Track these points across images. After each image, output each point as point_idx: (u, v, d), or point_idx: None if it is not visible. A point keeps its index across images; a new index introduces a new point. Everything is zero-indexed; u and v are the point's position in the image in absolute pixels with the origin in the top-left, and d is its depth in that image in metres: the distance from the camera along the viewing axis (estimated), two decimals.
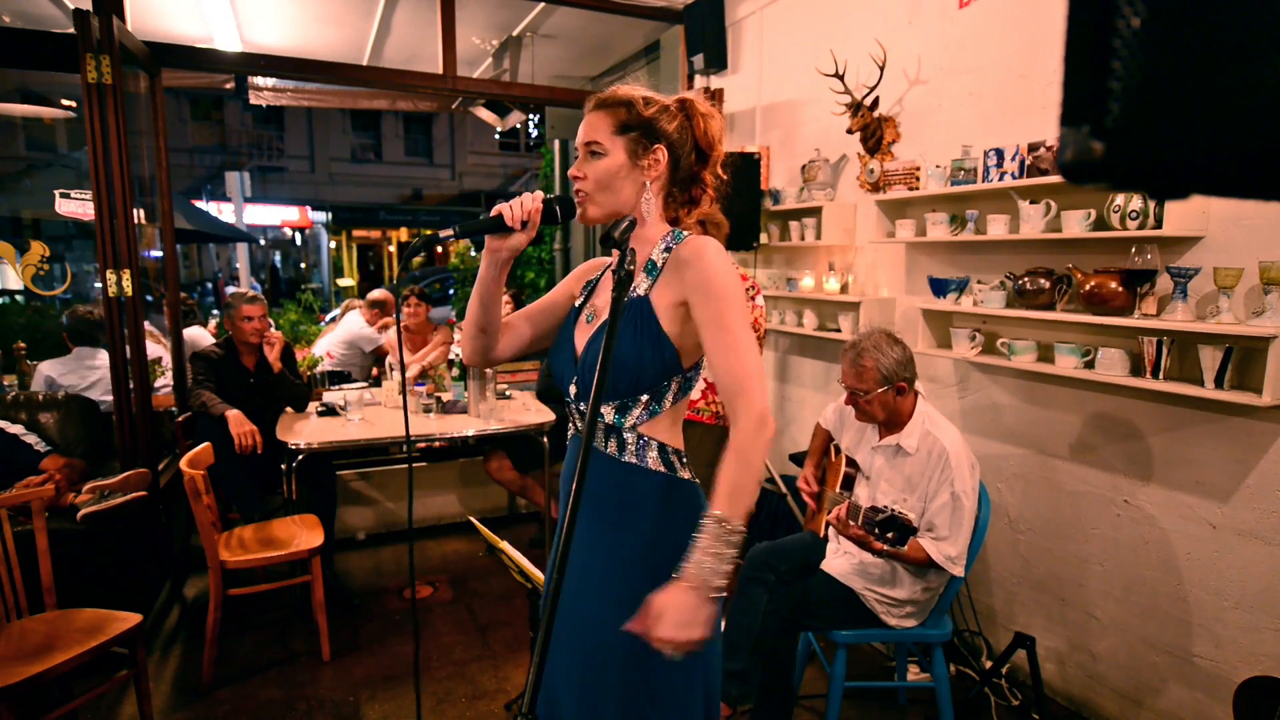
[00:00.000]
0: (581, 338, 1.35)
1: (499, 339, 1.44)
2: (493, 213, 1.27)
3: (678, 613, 1.03)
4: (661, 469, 1.28)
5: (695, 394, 2.33)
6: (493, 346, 1.43)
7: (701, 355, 1.28)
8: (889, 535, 2.01)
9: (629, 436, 1.27)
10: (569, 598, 1.31)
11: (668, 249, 1.29)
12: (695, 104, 1.33)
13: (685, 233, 1.31)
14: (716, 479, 1.12)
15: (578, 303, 1.44)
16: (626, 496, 1.28)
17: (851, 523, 2.14)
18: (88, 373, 3.58)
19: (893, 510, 2.02)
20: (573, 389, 1.33)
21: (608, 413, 1.28)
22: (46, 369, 3.58)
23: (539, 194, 1.29)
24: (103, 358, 3.71)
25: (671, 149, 1.29)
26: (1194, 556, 2.22)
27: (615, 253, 1.32)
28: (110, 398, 3.61)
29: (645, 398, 1.26)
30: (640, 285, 1.28)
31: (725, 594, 1.15)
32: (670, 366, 1.25)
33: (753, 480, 1.13)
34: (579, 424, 1.33)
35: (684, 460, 1.32)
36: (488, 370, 3.59)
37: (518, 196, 1.29)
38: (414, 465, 4.34)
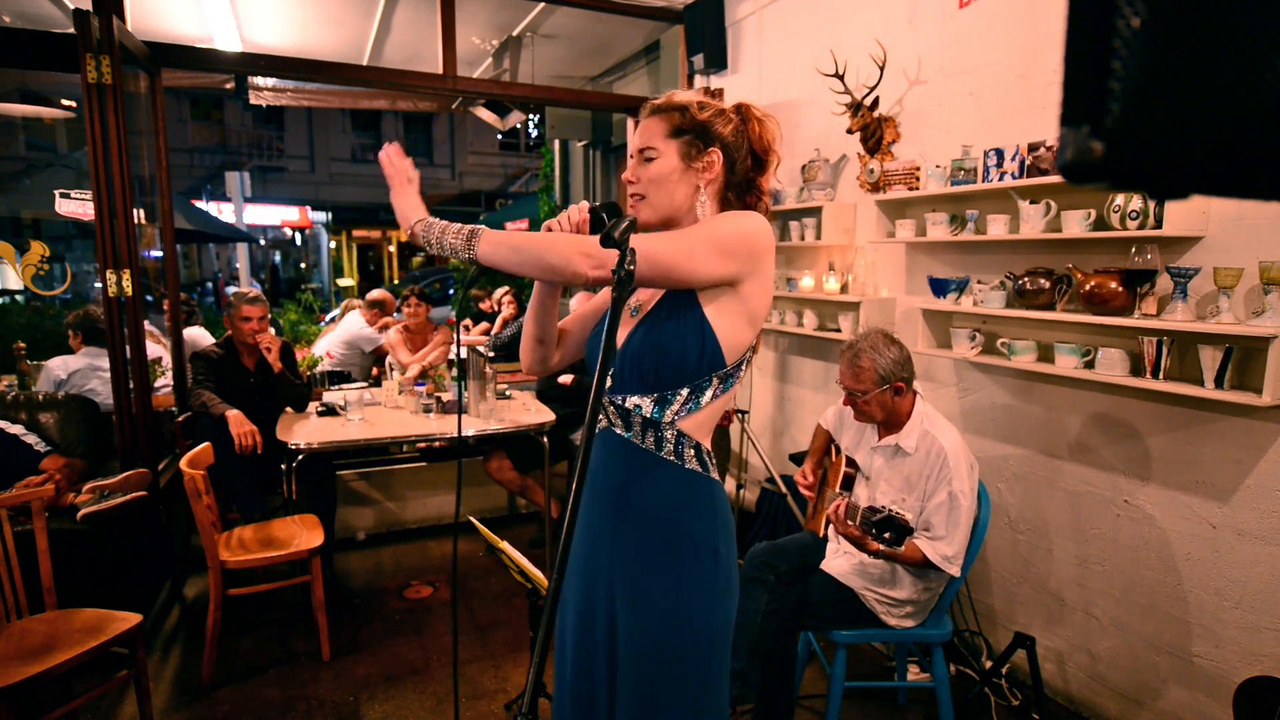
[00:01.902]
0: (624, 331, 1.35)
1: (556, 348, 1.47)
2: (542, 230, 1.28)
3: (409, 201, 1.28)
4: (696, 468, 1.28)
5: None
6: (551, 355, 1.47)
7: (744, 353, 1.29)
8: (886, 535, 2.01)
9: (668, 433, 1.26)
10: (590, 587, 1.31)
11: None
12: (751, 108, 1.34)
13: None
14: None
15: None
16: (657, 490, 1.28)
17: (849, 522, 2.14)
18: (94, 374, 3.59)
19: (890, 510, 2.02)
20: (609, 381, 1.33)
21: (646, 405, 1.26)
22: (56, 366, 3.58)
23: (584, 204, 1.30)
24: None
25: (727, 152, 1.29)
26: (1194, 556, 2.22)
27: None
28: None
29: (685, 391, 1.25)
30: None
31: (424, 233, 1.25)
32: (713, 360, 1.24)
33: (520, 245, 1.18)
34: (612, 417, 1.32)
35: (714, 461, 1.33)
36: (488, 370, 3.59)
37: (564, 211, 1.30)
38: (413, 465, 4.34)
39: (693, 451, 1.28)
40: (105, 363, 3.58)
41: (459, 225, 1.19)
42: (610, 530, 1.30)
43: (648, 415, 1.27)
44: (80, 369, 3.59)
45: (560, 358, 1.49)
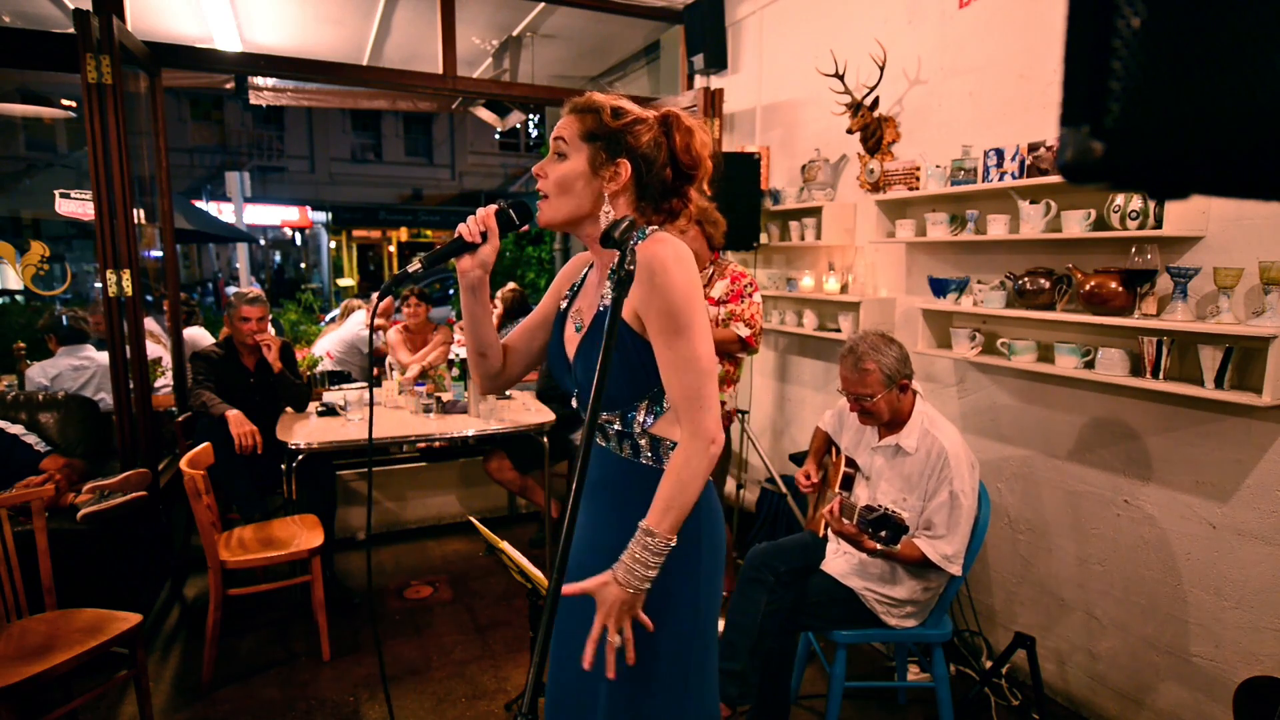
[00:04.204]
0: (571, 346, 1.35)
1: (503, 360, 1.45)
2: (454, 235, 1.28)
3: (615, 606, 1.18)
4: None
5: None
6: (497, 369, 1.45)
7: (705, 319, 1.27)
8: (882, 534, 2.01)
9: (642, 441, 1.29)
10: (584, 600, 1.32)
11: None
12: (678, 119, 1.30)
13: (647, 231, 1.27)
14: (656, 492, 1.19)
15: (563, 305, 1.43)
16: (639, 493, 1.29)
17: (845, 520, 2.14)
18: (78, 374, 3.59)
19: (886, 509, 2.02)
20: (574, 400, 1.35)
21: (614, 420, 1.29)
22: (36, 374, 3.58)
23: (493, 206, 1.29)
24: (89, 350, 3.71)
25: (638, 162, 1.26)
26: (1194, 556, 2.22)
27: (599, 257, 1.32)
28: (105, 393, 3.62)
29: (644, 402, 1.27)
30: (605, 297, 1.28)
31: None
32: (655, 369, 1.25)
33: (689, 498, 1.17)
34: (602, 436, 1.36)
35: None
36: None
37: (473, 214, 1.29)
38: (413, 465, 4.34)
39: (657, 448, 1.30)
40: (83, 359, 3.60)
41: (645, 557, 1.17)
42: (598, 529, 1.34)
43: (619, 428, 1.29)
44: (61, 372, 3.58)
45: (506, 372, 1.47)
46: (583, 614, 1.33)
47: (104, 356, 3.73)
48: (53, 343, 3.72)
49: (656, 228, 1.29)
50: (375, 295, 1.28)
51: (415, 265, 1.24)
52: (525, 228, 1.32)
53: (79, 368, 3.60)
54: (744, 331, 2.83)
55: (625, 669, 1.27)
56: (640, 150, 1.26)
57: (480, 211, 1.27)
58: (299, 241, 21.04)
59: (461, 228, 1.27)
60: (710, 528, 1.33)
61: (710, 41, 4.12)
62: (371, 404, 1.38)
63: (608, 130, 1.25)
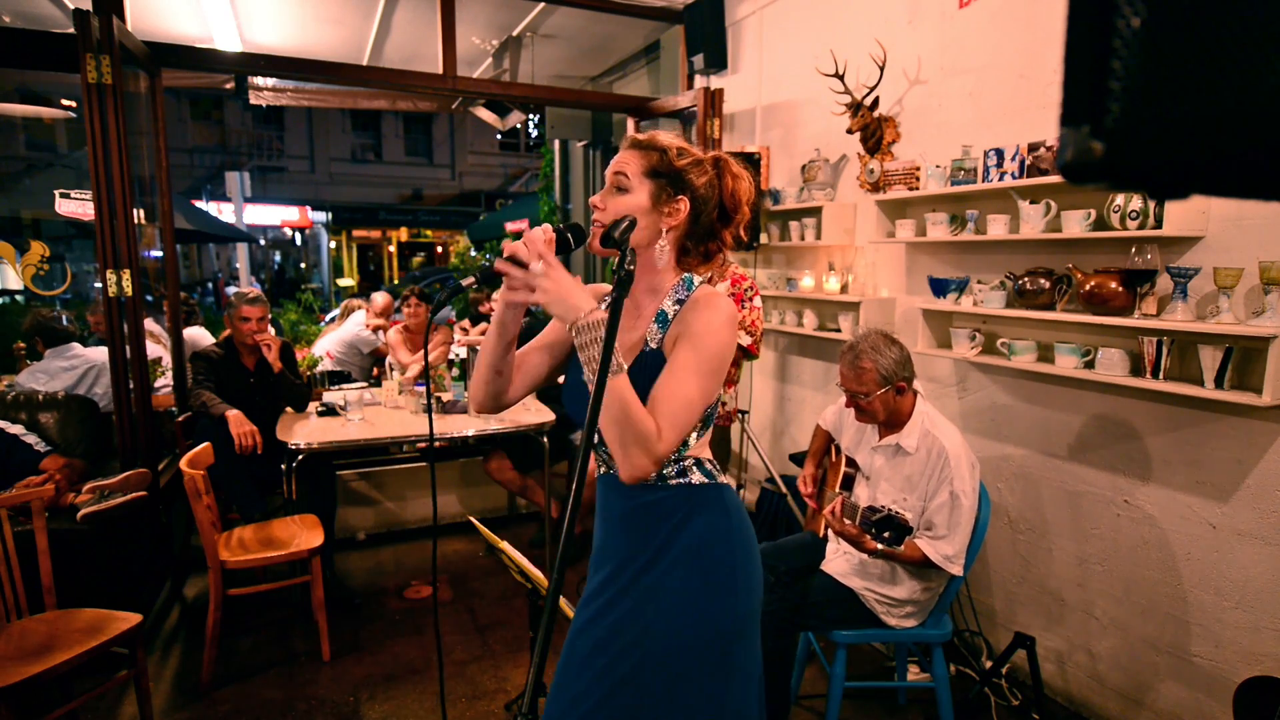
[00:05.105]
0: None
1: (513, 380, 1.41)
2: (505, 253, 1.23)
3: (543, 275, 1.15)
4: (701, 479, 1.33)
5: None
6: (505, 390, 1.40)
7: (716, 391, 1.29)
8: (885, 535, 2.01)
9: (668, 469, 1.31)
10: (618, 614, 1.31)
11: (679, 301, 1.30)
12: (728, 164, 1.35)
13: (696, 280, 1.33)
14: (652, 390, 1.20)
15: None
16: (667, 512, 1.31)
17: (846, 520, 2.14)
18: (68, 374, 3.59)
19: (890, 510, 2.02)
20: (596, 437, 1.30)
21: None
22: (26, 380, 3.57)
23: (548, 226, 1.27)
24: (76, 348, 3.72)
25: (695, 203, 1.30)
26: (1194, 556, 2.22)
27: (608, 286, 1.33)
28: (98, 388, 3.61)
29: None
30: (653, 338, 1.29)
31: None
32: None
33: (616, 412, 1.13)
34: (608, 464, 1.35)
35: (719, 467, 1.38)
36: None
37: (530, 232, 1.25)
38: (413, 465, 4.34)
39: (694, 468, 1.32)
40: (71, 358, 3.61)
41: (614, 352, 1.12)
42: (628, 554, 1.33)
43: None
44: (51, 376, 3.58)
45: (516, 391, 1.41)
46: (589, 638, 1.33)
47: (93, 353, 3.73)
48: (40, 345, 3.74)
49: (704, 279, 1.34)
50: (428, 304, 1.24)
51: (470, 280, 1.24)
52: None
53: (68, 368, 3.60)
54: (745, 340, 2.84)
55: (659, 677, 1.27)
56: (698, 191, 1.30)
57: (538, 234, 1.24)
58: (299, 241, 21.04)
59: (518, 249, 1.23)
60: (741, 539, 1.34)
61: (710, 41, 4.12)
62: (430, 390, 1.36)
63: (671, 168, 1.29)
